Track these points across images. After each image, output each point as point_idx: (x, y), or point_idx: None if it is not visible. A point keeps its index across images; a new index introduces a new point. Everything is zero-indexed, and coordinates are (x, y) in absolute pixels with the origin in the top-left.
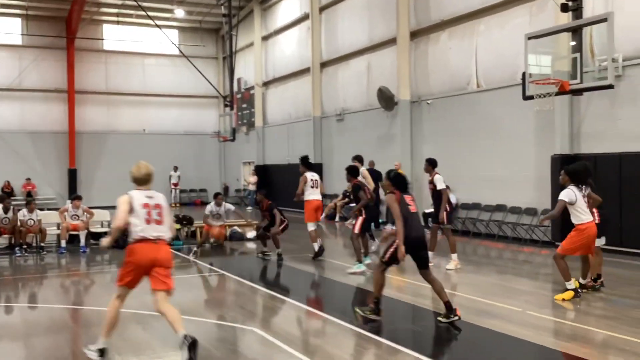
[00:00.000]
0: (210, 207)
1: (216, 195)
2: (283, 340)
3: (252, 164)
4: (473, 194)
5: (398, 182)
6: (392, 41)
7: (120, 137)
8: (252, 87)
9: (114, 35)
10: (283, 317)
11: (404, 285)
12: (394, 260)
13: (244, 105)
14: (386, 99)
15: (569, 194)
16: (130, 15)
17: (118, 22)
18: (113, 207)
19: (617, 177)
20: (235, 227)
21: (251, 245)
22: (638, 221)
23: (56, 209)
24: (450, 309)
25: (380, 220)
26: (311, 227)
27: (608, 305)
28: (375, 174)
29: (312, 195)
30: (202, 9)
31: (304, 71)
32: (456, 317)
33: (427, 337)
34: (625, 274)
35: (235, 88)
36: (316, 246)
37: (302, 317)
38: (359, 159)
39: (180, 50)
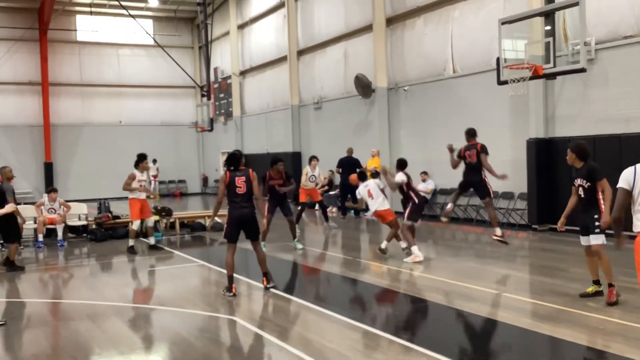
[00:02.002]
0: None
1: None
2: (264, 329)
3: None
4: (451, 179)
5: (227, 161)
6: (368, 28)
7: (96, 129)
8: (229, 77)
9: (88, 26)
10: (264, 306)
11: (381, 271)
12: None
13: (222, 95)
14: (363, 86)
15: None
16: (103, 6)
17: (91, 13)
18: (90, 200)
19: (591, 159)
20: (216, 218)
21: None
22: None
23: (33, 203)
24: (268, 280)
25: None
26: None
27: (582, 285)
28: (353, 161)
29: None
30: None
31: (281, 59)
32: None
33: (404, 320)
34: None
35: (212, 78)
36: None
37: (283, 306)
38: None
39: (155, 40)
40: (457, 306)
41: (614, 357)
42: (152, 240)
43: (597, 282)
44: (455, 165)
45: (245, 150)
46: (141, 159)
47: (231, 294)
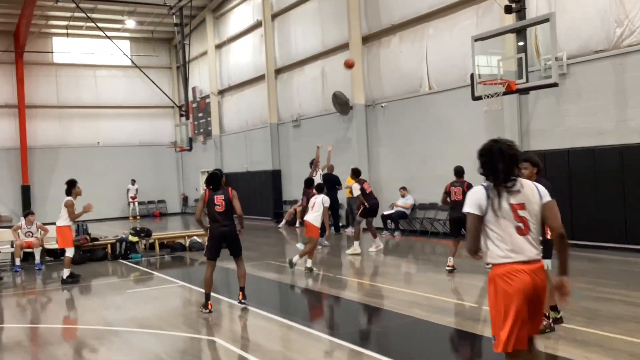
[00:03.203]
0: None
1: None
2: (246, 349)
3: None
4: (429, 194)
5: (207, 180)
6: (344, 46)
7: (74, 151)
8: (208, 96)
9: (64, 48)
10: (246, 326)
11: (363, 287)
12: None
13: (200, 114)
14: (341, 104)
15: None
16: (80, 27)
17: (67, 35)
18: None
19: (566, 173)
20: (195, 237)
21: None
22: (585, 214)
23: (10, 227)
24: (244, 296)
25: (340, 224)
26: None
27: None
28: (334, 179)
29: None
30: (153, 18)
31: (259, 78)
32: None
33: (388, 337)
34: (574, 266)
35: (191, 97)
36: None
37: (266, 326)
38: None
39: (132, 61)
40: (436, 321)
41: None
42: (65, 273)
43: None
44: (444, 202)
45: (226, 169)
46: (72, 185)
47: (207, 310)
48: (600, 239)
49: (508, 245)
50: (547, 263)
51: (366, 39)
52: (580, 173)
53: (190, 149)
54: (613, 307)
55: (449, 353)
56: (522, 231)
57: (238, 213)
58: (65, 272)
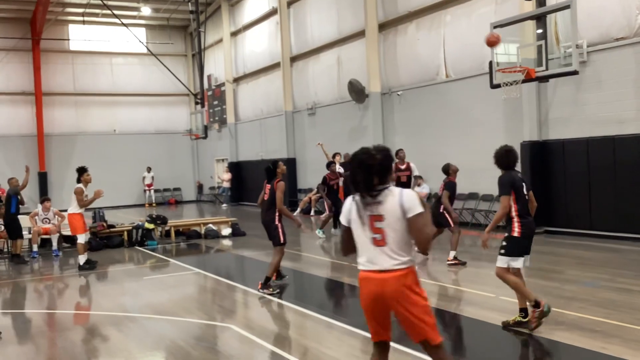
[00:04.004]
0: None
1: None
2: (261, 337)
3: (225, 160)
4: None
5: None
6: (360, 34)
7: (91, 139)
8: (223, 84)
9: (80, 35)
10: (261, 313)
11: None
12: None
13: (215, 102)
14: (357, 92)
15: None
16: (96, 15)
17: (84, 22)
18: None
19: (585, 162)
20: (210, 225)
21: (227, 243)
22: (605, 204)
23: (27, 214)
24: (263, 285)
25: None
26: None
27: (577, 287)
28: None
29: None
30: (169, 6)
31: (275, 66)
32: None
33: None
34: (594, 257)
35: (206, 85)
36: None
37: (280, 313)
38: None
39: (148, 49)
40: (455, 310)
41: (610, 359)
42: (81, 260)
43: (522, 310)
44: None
45: (240, 157)
46: (81, 172)
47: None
48: (620, 229)
49: (364, 255)
50: (504, 260)
51: (382, 26)
52: (600, 162)
53: (205, 137)
54: (633, 298)
55: (471, 342)
56: (378, 242)
57: (277, 206)
58: (82, 259)
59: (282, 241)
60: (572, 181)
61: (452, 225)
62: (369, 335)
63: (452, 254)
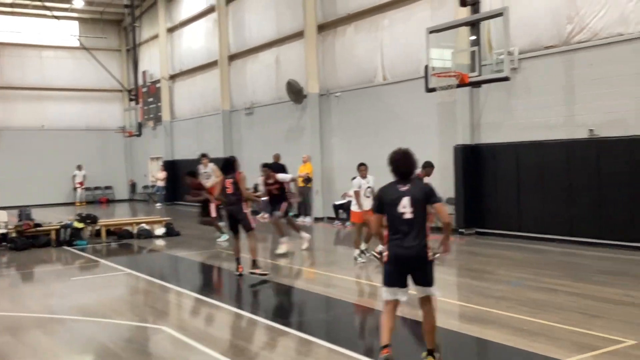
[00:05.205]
0: (359, 181)
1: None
2: (194, 338)
3: (160, 159)
4: (382, 185)
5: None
6: (299, 34)
7: (17, 134)
8: (158, 81)
9: (9, 27)
10: (194, 314)
11: (314, 277)
12: None
13: (150, 99)
14: (295, 92)
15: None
16: (25, 6)
17: (13, 13)
18: (10, 207)
19: (515, 166)
20: (143, 224)
21: (160, 243)
22: (533, 207)
23: None
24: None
25: (290, 213)
26: None
27: (506, 287)
28: (279, 167)
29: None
30: None
31: (212, 64)
32: None
33: (337, 325)
34: (523, 257)
35: (141, 81)
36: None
37: (213, 314)
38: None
39: (80, 42)
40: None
41: (537, 357)
42: None
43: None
44: None
45: (176, 155)
46: None
47: (237, 273)
48: (547, 231)
49: None
50: (390, 293)
51: (321, 28)
52: (529, 166)
53: (139, 135)
54: (557, 298)
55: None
56: None
57: (244, 194)
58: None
59: (252, 226)
60: (503, 184)
61: None
62: (304, 336)
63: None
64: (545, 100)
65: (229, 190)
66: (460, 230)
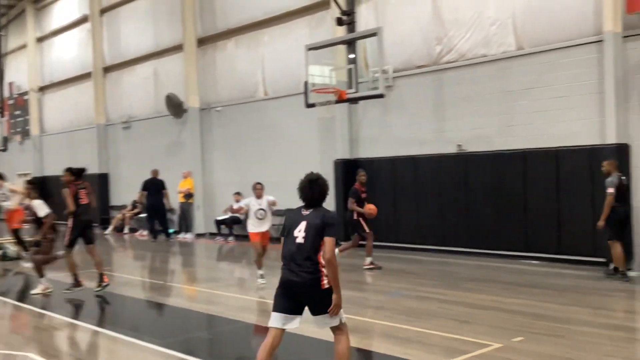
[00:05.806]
0: (249, 201)
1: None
2: None
3: (28, 175)
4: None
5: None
6: (179, 47)
7: None
8: (27, 92)
9: None
10: (62, 338)
11: (194, 294)
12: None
13: (17, 112)
14: (175, 106)
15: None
16: None
17: None
18: None
19: (391, 179)
20: (8, 245)
21: (28, 264)
22: (408, 218)
23: None
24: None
25: (170, 230)
26: None
27: (384, 297)
28: (158, 183)
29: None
30: None
31: (86, 76)
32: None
33: (217, 343)
34: (399, 268)
35: (7, 93)
36: None
37: (88, 338)
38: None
39: None
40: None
41: None
42: None
43: None
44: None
45: (47, 171)
46: None
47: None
48: (422, 241)
49: None
50: (275, 320)
51: (202, 42)
52: (404, 179)
53: (5, 150)
54: (431, 305)
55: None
56: None
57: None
58: None
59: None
60: (381, 197)
61: (367, 231)
62: (172, 352)
63: (368, 259)
64: (417, 117)
65: (84, 201)
66: (340, 242)
